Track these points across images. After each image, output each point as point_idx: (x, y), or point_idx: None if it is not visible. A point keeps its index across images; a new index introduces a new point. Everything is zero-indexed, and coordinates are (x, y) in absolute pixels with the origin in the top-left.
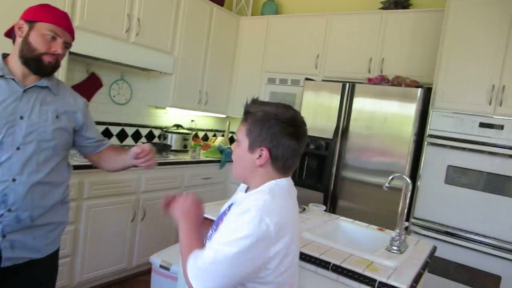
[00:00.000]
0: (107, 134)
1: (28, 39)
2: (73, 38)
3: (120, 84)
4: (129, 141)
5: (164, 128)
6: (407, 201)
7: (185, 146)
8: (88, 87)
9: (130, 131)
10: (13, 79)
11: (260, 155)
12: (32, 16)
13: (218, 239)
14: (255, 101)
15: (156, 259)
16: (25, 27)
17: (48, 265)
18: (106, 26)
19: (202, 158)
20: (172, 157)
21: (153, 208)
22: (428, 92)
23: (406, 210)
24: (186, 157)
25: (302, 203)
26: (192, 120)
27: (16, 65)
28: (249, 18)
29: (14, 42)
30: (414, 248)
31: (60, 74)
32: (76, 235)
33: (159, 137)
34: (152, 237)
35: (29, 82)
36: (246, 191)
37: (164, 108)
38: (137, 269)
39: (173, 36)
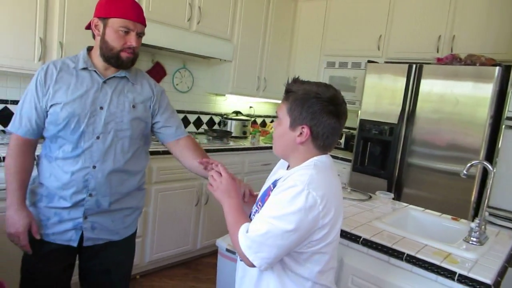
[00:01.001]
0: None
1: (105, 38)
2: (145, 25)
3: (183, 73)
4: (191, 128)
5: (224, 114)
6: (489, 189)
7: (244, 133)
8: (153, 76)
9: (192, 118)
10: (95, 71)
11: (301, 133)
12: (104, 13)
13: (268, 213)
14: (296, 80)
15: (222, 243)
16: (100, 24)
17: (125, 247)
18: (169, 16)
19: (261, 144)
20: (232, 144)
21: None
22: (507, 71)
23: (486, 199)
24: (246, 143)
25: (365, 190)
26: (251, 107)
27: (98, 59)
28: (307, 0)
29: (93, 36)
30: (495, 239)
31: None
32: (145, 217)
33: (219, 123)
34: (215, 221)
35: (110, 73)
36: (287, 168)
37: (224, 95)
38: (202, 251)
39: (232, 23)
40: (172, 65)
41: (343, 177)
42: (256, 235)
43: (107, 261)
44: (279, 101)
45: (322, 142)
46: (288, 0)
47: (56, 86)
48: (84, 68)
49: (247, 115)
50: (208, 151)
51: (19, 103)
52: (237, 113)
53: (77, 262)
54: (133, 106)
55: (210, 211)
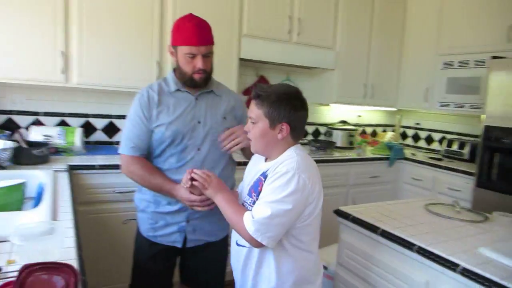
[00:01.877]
0: None
1: (179, 64)
2: (210, 44)
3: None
4: None
5: (330, 124)
6: None
7: (351, 143)
8: None
9: None
10: (185, 91)
11: (281, 130)
12: (173, 41)
13: (269, 198)
14: (260, 86)
15: None
16: (174, 51)
17: (220, 247)
18: (270, 30)
19: (369, 155)
20: (337, 154)
21: None
22: None
23: None
24: (351, 154)
25: (492, 209)
26: (359, 116)
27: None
28: None
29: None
30: None
31: (232, 78)
32: None
33: (325, 134)
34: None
35: (197, 90)
36: (266, 160)
37: (328, 105)
38: None
39: (333, 30)
40: (276, 78)
41: (465, 194)
42: (263, 217)
43: (206, 260)
44: (391, 108)
45: (298, 133)
46: None
47: (158, 108)
48: (176, 90)
49: (355, 125)
50: None
51: (125, 128)
52: (343, 122)
53: (178, 261)
54: (224, 118)
55: None
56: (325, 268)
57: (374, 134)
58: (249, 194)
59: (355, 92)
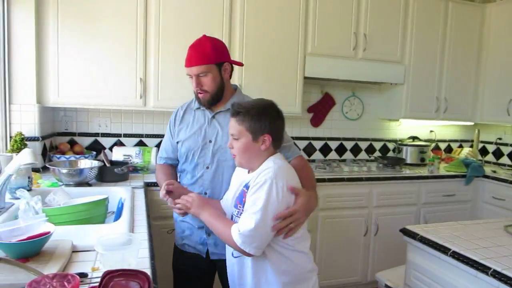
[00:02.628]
0: (341, 149)
1: None
2: (201, 63)
3: (352, 100)
4: (362, 155)
5: (399, 141)
6: None
7: (422, 160)
8: (323, 106)
9: (363, 145)
10: (204, 110)
11: (263, 141)
12: None
13: (252, 209)
14: (237, 104)
15: (382, 277)
16: None
17: None
18: (335, 48)
19: (443, 172)
20: (406, 172)
21: (388, 223)
22: None
23: None
24: (423, 171)
25: None
26: (431, 131)
27: None
28: (500, 3)
29: None
30: None
31: (297, 97)
32: (312, 242)
33: (393, 150)
34: (386, 254)
35: (217, 108)
36: (249, 172)
37: (398, 120)
38: (372, 285)
39: (402, 44)
40: (341, 94)
41: None
42: (247, 230)
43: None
44: (467, 123)
45: (278, 142)
46: (473, 7)
47: (180, 125)
48: (197, 108)
49: (427, 140)
50: (375, 179)
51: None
52: (414, 138)
53: None
54: (210, 141)
55: (380, 242)
56: None
57: (448, 150)
58: (235, 206)
59: (427, 106)
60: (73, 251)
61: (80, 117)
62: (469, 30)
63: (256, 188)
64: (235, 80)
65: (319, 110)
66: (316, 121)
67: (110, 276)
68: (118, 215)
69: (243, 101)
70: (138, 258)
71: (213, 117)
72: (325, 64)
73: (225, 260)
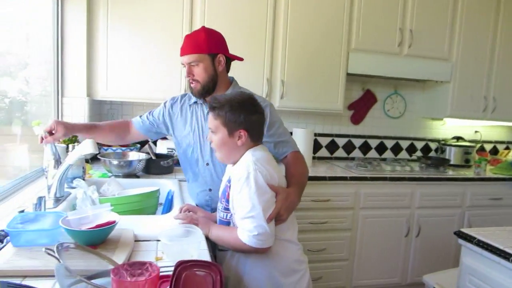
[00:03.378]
0: (381, 148)
1: None
2: (193, 52)
3: (394, 98)
4: (403, 154)
5: (442, 140)
6: None
7: (467, 161)
8: (364, 103)
9: (404, 144)
10: (201, 103)
11: (239, 136)
12: None
13: (244, 210)
14: (214, 98)
15: (430, 280)
16: None
17: None
18: (379, 44)
19: (489, 174)
20: (450, 173)
21: (430, 225)
22: None
23: None
24: (468, 173)
25: None
26: (476, 131)
27: None
28: None
29: None
30: None
31: (339, 93)
32: (352, 241)
33: (436, 150)
34: (428, 256)
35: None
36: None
37: (441, 119)
38: (412, 286)
39: (449, 40)
40: (383, 91)
41: None
42: (250, 231)
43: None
44: None
45: (256, 136)
46: None
47: (179, 118)
48: (195, 102)
49: (472, 141)
50: (418, 179)
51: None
52: (458, 138)
53: None
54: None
55: (422, 244)
56: None
57: (494, 151)
58: (220, 201)
59: (473, 105)
60: (135, 240)
61: (125, 110)
62: None
63: (240, 184)
64: (277, 75)
65: (360, 107)
66: (357, 119)
67: (183, 267)
68: (166, 206)
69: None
70: (200, 250)
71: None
72: (368, 61)
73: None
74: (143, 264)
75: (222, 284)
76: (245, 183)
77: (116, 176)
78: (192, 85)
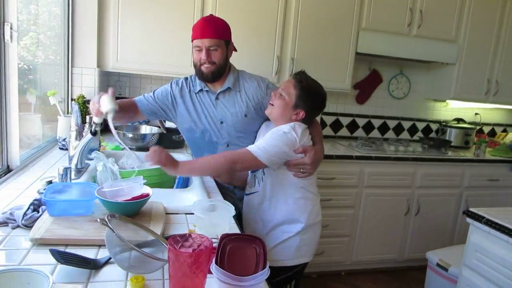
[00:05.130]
0: (383, 128)
1: (193, 58)
2: (216, 37)
3: (399, 79)
4: (405, 134)
5: (443, 122)
6: None
7: (467, 142)
8: (369, 83)
9: (406, 125)
10: (206, 90)
11: (297, 113)
12: (191, 39)
13: (266, 137)
14: (304, 74)
15: (433, 256)
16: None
17: None
18: (389, 23)
19: (488, 156)
20: (450, 154)
21: (429, 204)
22: None
23: None
24: (468, 155)
25: None
26: (476, 114)
27: None
28: None
29: None
30: None
31: (347, 73)
32: (354, 218)
33: (436, 132)
34: (426, 234)
35: (218, 88)
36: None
37: (444, 101)
38: (408, 263)
39: (457, 23)
40: (389, 72)
41: None
42: (260, 149)
43: None
44: None
45: (307, 121)
46: None
47: (185, 104)
48: (200, 90)
49: (471, 123)
50: (421, 160)
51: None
52: (459, 120)
53: None
54: (245, 115)
55: (421, 222)
56: (445, 269)
57: (492, 134)
58: None
59: (477, 88)
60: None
61: (133, 82)
62: None
63: (275, 130)
64: (288, 52)
65: (365, 87)
66: (362, 98)
67: (228, 239)
68: (180, 180)
69: (243, 76)
70: (230, 224)
71: (217, 98)
72: (378, 40)
73: None
74: (188, 236)
75: (266, 256)
76: (282, 130)
77: (130, 149)
78: (205, 66)
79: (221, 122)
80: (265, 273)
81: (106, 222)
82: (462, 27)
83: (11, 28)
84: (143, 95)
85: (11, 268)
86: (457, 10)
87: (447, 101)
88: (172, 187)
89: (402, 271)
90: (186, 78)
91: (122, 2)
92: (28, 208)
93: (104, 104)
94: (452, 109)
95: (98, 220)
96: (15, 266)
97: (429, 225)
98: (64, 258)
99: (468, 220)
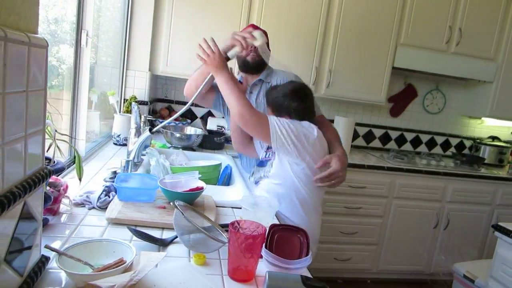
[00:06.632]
0: (416, 141)
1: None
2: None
3: (434, 94)
4: (437, 149)
5: (477, 139)
6: None
7: (501, 161)
8: (404, 97)
9: (439, 140)
10: (241, 82)
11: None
12: None
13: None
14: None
15: (460, 268)
16: None
17: None
18: (427, 40)
19: None
20: (483, 171)
21: (458, 219)
22: None
23: None
24: (501, 173)
25: None
26: None
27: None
28: None
29: None
30: None
31: (383, 86)
32: (382, 227)
33: (470, 148)
34: (454, 248)
35: (251, 80)
36: None
37: (480, 118)
38: (434, 276)
39: (497, 41)
40: (424, 87)
41: None
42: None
43: None
44: None
45: (303, 116)
46: None
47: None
48: (254, 84)
49: (507, 142)
50: (452, 174)
51: None
52: (494, 138)
53: None
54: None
55: (449, 236)
56: (472, 281)
57: None
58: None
59: None
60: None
61: (178, 85)
62: None
63: None
64: (326, 63)
65: (400, 101)
66: (396, 111)
67: (276, 229)
68: (222, 179)
69: (276, 72)
70: (273, 218)
71: (251, 92)
72: (415, 56)
73: None
74: (245, 222)
75: (309, 245)
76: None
77: (175, 148)
78: (251, 55)
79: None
80: (308, 259)
81: (176, 206)
82: (502, 46)
83: (87, 35)
84: None
85: (97, 238)
86: (498, 28)
87: (483, 118)
88: (215, 184)
89: (428, 284)
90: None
91: (175, 12)
92: (102, 192)
93: (258, 37)
94: (488, 126)
95: (171, 203)
96: (99, 237)
97: (458, 240)
98: (138, 234)
99: (497, 233)
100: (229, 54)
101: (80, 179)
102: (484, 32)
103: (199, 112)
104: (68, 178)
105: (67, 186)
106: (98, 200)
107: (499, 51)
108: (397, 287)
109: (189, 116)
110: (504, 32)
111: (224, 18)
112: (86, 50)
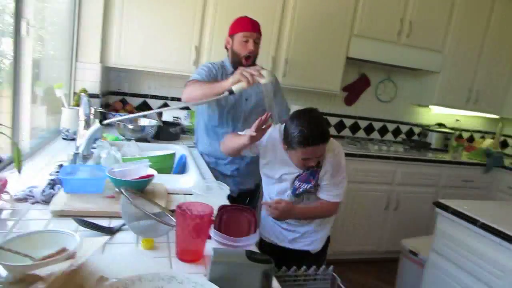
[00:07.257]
0: (369, 129)
1: (234, 50)
2: (260, 35)
3: (386, 83)
4: (389, 136)
5: (425, 126)
6: None
7: (446, 146)
8: (358, 86)
9: (390, 127)
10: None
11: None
12: (232, 32)
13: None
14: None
15: (406, 244)
16: (230, 40)
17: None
18: (379, 31)
19: (464, 159)
20: (430, 155)
21: (407, 200)
22: None
23: None
24: (446, 157)
25: None
26: (457, 120)
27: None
28: None
29: (228, 53)
30: None
31: (337, 76)
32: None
33: (418, 134)
34: (403, 227)
35: None
36: None
37: (427, 107)
38: (386, 254)
39: (444, 34)
40: (377, 76)
41: None
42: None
43: None
44: (493, 115)
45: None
46: None
47: None
48: (232, 72)
49: (452, 128)
50: (402, 159)
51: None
52: (440, 125)
53: None
54: (246, 99)
55: (399, 217)
56: (415, 254)
57: (470, 139)
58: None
59: (458, 96)
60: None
61: (132, 78)
62: (511, 27)
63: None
64: (282, 53)
65: (354, 90)
66: (350, 100)
67: (224, 210)
68: (177, 168)
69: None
70: (224, 201)
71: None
72: (368, 47)
73: None
74: (192, 204)
75: (257, 224)
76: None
77: (128, 139)
78: (246, 61)
79: (246, 99)
80: (255, 236)
81: (122, 192)
82: (448, 38)
83: (28, 24)
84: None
85: (38, 230)
86: (445, 22)
87: (430, 106)
88: (170, 173)
89: (379, 262)
90: (214, 64)
91: (127, 1)
92: (46, 186)
93: (266, 76)
94: (435, 114)
95: (119, 190)
96: (41, 229)
97: (407, 219)
98: (83, 223)
99: (437, 210)
100: (234, 88)
101: (19, 171)
102: (432, 24)
103: (155, 104)
104: (8, 173)
105: (6, 181)
106: (42, 194)
107: (446, 43)
108: (351, 267)
109: (144, 109)
110: (451, 25)
111: (178, 6)
112: (27, 41)
